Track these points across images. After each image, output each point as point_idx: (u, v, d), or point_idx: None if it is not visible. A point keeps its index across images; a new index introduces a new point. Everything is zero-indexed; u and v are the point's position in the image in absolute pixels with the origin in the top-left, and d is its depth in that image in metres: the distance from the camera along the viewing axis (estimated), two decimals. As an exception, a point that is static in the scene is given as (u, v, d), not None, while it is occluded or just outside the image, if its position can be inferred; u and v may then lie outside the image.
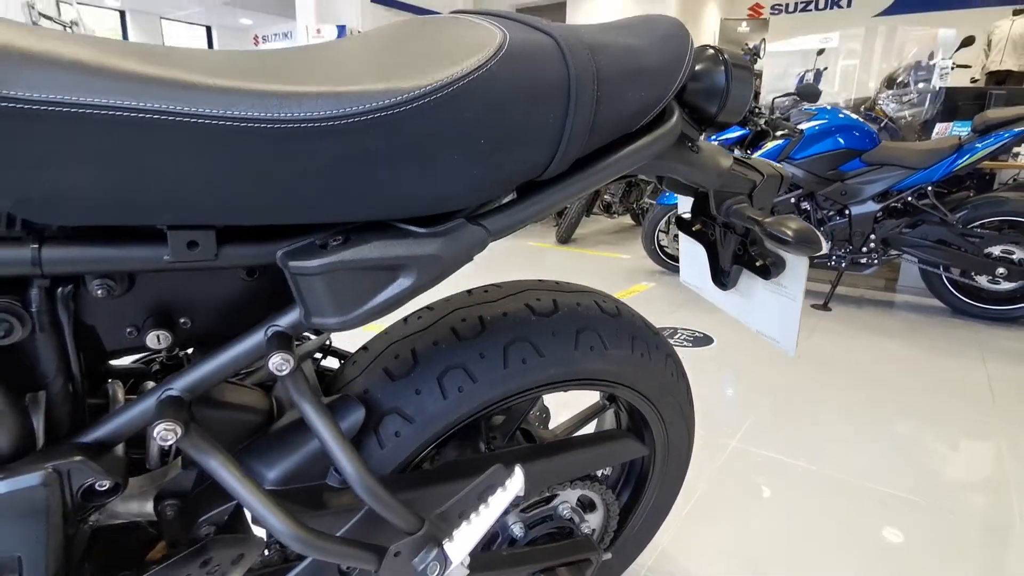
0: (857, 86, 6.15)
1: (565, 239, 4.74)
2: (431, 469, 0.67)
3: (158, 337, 0.50)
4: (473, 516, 0.56)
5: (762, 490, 1.47)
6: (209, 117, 0.37)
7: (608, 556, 0.84)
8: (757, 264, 0.83)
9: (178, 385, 0.50)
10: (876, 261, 2.91)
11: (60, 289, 0.46)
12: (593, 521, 0.86)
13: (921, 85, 4.17)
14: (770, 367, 2.24)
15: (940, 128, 3.34)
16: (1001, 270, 2.65)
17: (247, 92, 0.39)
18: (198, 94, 0.38)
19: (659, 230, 3.58)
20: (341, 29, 6.61)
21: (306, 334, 0.76)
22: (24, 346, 0.46)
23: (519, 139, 0.48)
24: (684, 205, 0.93)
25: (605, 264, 4.04)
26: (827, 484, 1.50)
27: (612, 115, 0.53)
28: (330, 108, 0.40)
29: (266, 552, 0.63)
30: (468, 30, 0.50)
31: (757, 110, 3.05)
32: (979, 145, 2.62)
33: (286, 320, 0.50)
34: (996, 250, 2.68)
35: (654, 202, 3.60)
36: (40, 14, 5.50)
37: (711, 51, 0.69)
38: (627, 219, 5.93)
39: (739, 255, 0.87)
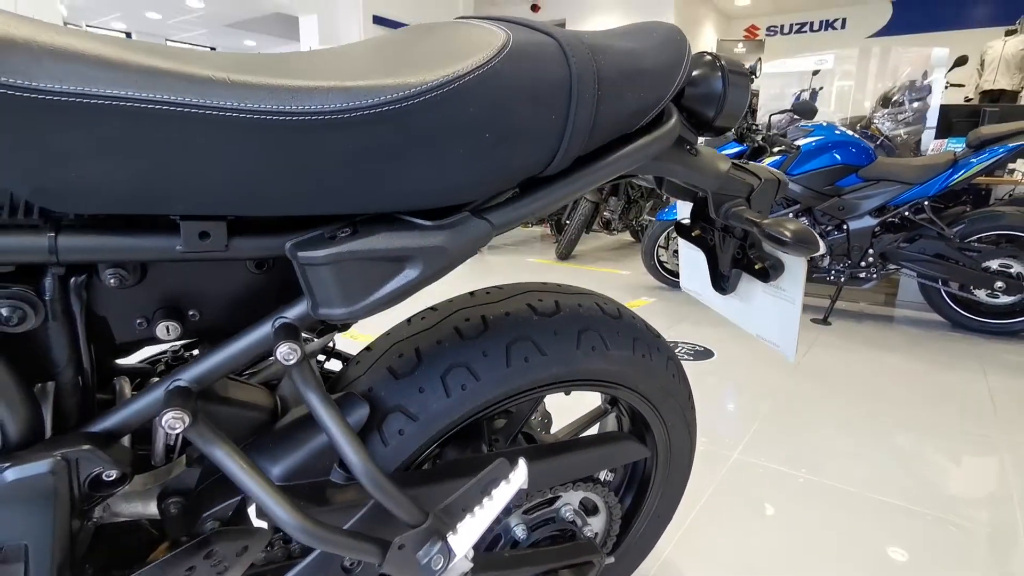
0: (853, 105, 6.23)
1: (565, 255, 4.76)
2: (434, 467, 0.68)
3: (167, 328, 0.51)
4: (477, 509, 0.56)
5: (764, 500, 1.46)
6: (223, 109, 0.39)
7: (611, 560, 0.84)
8: (756, 267, 0.84)
9: (186, 376, 0.50)
10: (875, 275, 2.92)
11: (73, 278, 0.46)
12: (596, 525, 0.86)
13: (916, 104, 4.23)
14: (770, 380, 2.24)
15: (935, 144, 3.38)
16: (999, 284, 2.66)
17: (261, 86, 0.40)
18: (213, 87, 0.39)
19: (658, 246, 3.60)
20: (344, 50, 6.67)
21: (308, 336, 0.77)
22: (36, 335, 0.47)
23: (522, 135, 0.49)
24: (683, 211, 0.95)
25: (605, 280, 4.06)
26: (829, 495, 1.49)
27: (612, 114, 0.55)
28: (341, 101, 0.42)
29: (270, 548, 0.63)
30: (473, 32, 0.52)
31: (754, 127, 3.09)
32: (974, 160, 2.65)
33: (293, 312, 0.51)
34: (994, 264, 2.70)
35: (653, 218, 3.63)
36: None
37: (709, 57, 0.71)
38: (626, 236, 5.96)
39: (738, 259, 0.88)
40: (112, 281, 0.47)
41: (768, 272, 0.82)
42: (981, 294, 2.77)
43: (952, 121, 3.63)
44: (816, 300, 3.41)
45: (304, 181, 0.43)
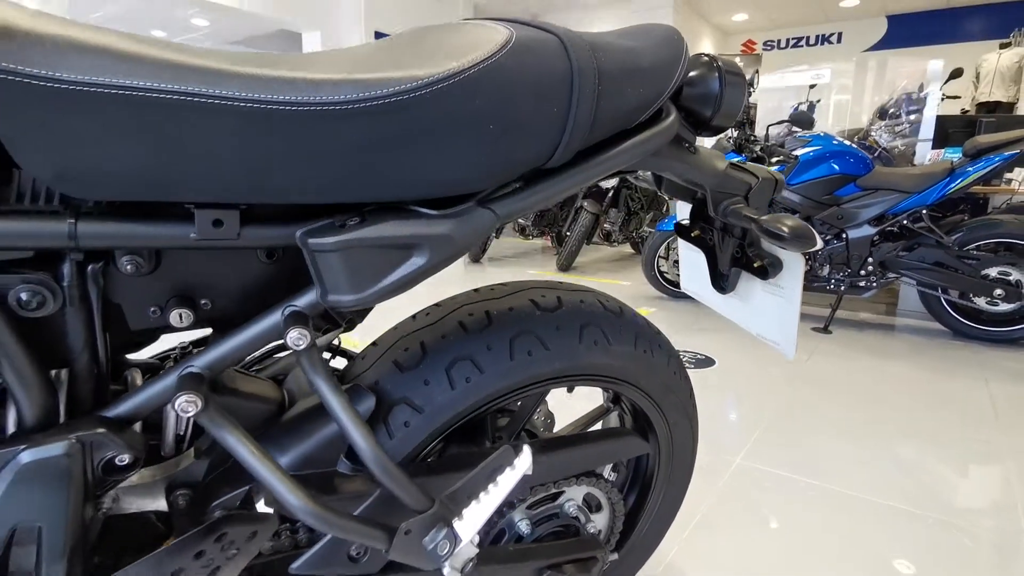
0: (850, 118, 6.29)
1: (566, 267, 4.78)
2: (440, 459, 0.68)
3: (180, 315, 0.52)
4: (482, 495, 0.57)
5: (766, 505, 1.46)
6: (238, 100, 0.41)
7: (615, 556, 0.84)
8: (755, 265, 0.86)
9: (199, 363, 0.52)
10: (874, 284, 2.93)
11: (91, 266, 0.48)
12: (599, 522, 0.87)
13: (913, 116, 4.27)
14: (771, 388, 2.24)
15: (932, 155, 3.41)
16: (999, 291, 2.67)
17: (272, 78, 0.42)
18: (229, 79, 0.41)
19: (659, 256, 3.62)
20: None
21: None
22: (54, 320, 0.48)
23: (525, 127, 0.51)
24: (683, 212, 0.96)
25: (606, 291, 4.07)
26: (831, 499, 1.49)
27: (612, 109, 0.56)
28: (350, 92, 0.43)
29: (276, 538, 0.63)
30: (477, 29, 0.54)
31: (752, 137, 3.12)
32: (971, 169, 2.68)
33: (303, 300, 0.53)
34: (993, 271, 2.71)
35: (653, 230, 3.65)
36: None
37: (706, 58, 0.73)
38: (627, 248, 5.98)
39: (737, 258, 0.89)
40: (129, 267, 0.48)
41: (767, 270, 0.84)
42: (981, 302, 2.78)
43: (949, 132, 3.66)
44: (816, 309, 3.42)
45: (314, 170, 0.45)
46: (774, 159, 2.97)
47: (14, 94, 0.36)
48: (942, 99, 4.32)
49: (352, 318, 0.86)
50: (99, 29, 0.41)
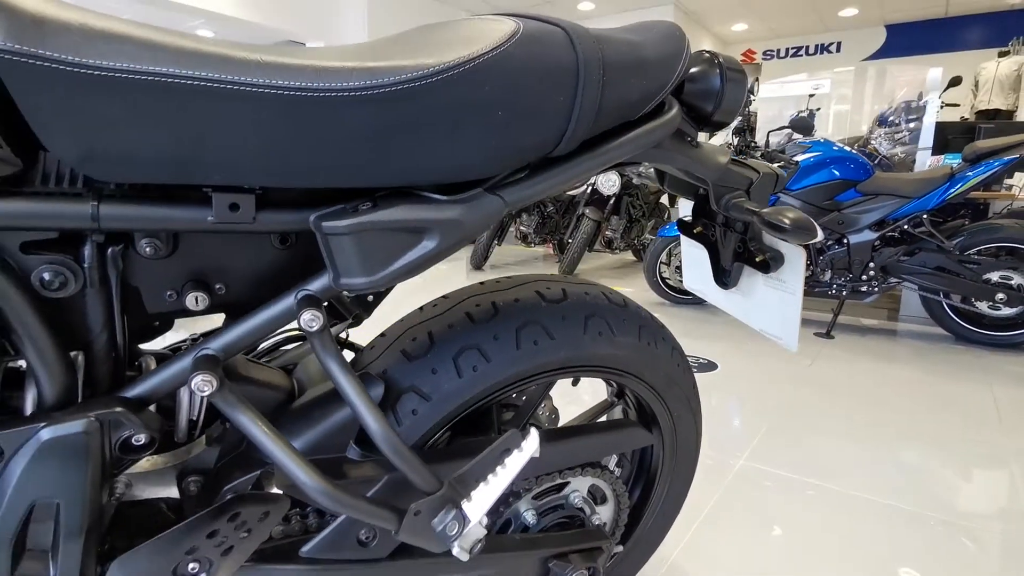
0: (850, 126, 6.32)
1: (568, 274, 4.79)
2: (447, 447, 0.69)
3: (196, 299, 0.53)
4: (491, 477, 0.58)
5: (769, 504, 1.46)
6: (254, 85, 0.42)
7: (620, 548, 0.85)
8: (757, 260, 0.87)
9: (214, 345, 0.53)
10: (876, 289, 2.94)
11: (111, 248, 0.49)
12: (604, 514, 0.87)
13: (912, 124, 4.30)
14: (774, 391, 2.25)
15: (932, 161, 3.43)
16: (1001, 296, 2.68)
17: (289, 66, 0.44)
18: (245, 66, 0.42)
19: (660, 261, 3.63)
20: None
21: None
22: (74, 301, 0.49)
23: (532, 115, 0.52)
24: (685, 209, 0.98)
25: (608, 297, 4.07)
26: (833, 499, 1.49)
27: (617, 100, 0.58)
28: (363, 79, 0.45)
29: (286, 523, 0.64)
30: (486, 22, 0.55)
31: (753, 144, 3.15)
32: (970, 174, 2.69)
33: (316, 285, 0.54)
34: (994, 276, 2.71)
35: (655, 237, 3.67)
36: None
37: (707, 55, 0.74)
38: (628, 255, 6.00)
39: (739, 252, 0.90)
40: (148, 250, 0.50)
41: (769, 263, 0.85)
42: (983, 306, 2.78)
43: (948, 138, 3.69)
44: (819, 314, 3.42)
45: (328, 154, 0.46)
46: (775, 165, 2.99)
47: (43, 79, 0.38)
48: (941, 107, 4.35)
49: (359, 313, 0.88)
50: (121, 19, 0.42)
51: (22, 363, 0.53)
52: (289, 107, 0.43)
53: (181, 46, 0.41)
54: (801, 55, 9.00)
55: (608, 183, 4.30)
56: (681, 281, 3.59)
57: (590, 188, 4.59)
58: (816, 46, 8.87)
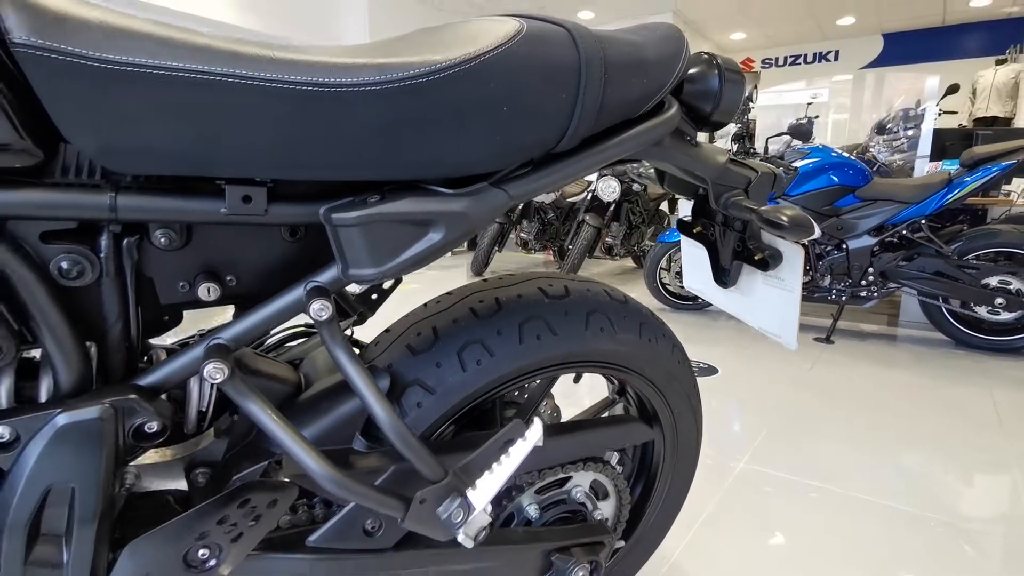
0: (849, 134, 6.36)
1: (568, 280, 4.80)
2: (452, 439, 0.70)
3: (208, 290, 0.55)
4: (495, 466, 0.59)
5: (769, 506, 1.47)
6: (267, 80, 0.44)
7: (622, 544, 0.86)
8: (756, 258, 0.88)
9: (225, 335, 0.54)
10: (875, 294, 2.95)
11: (127, 239, 0.51)
12: (606, 509, 0.88)
13: (910, 131, 4.33)
14: (774, 395, 2.26)
15: (930, 167, 3.45)
16: (1000, 300, 2.69)
17: (301, 62, 0.45)
18: (259, 62, 0.44)
19: (660, 267, 3.65)
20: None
21: None
22: (90, 291, 0.51)
23: (536, 112, 0.54)
24: (684, 209, 0.99)
25: (608, 303, 4.08)
26: (834, 500, 1.50)
27: (617, 98, 0.60)
28: (372, 75, 0.46)
29: (293, 512, 0.65)
30: (490, 22, 0.57)
31: (752, 150, 3.17)
32: (968, 179, 2.71)
33: (325, 276, 0.55)
34: (993, 281, 2.73)
35: (655, 243, 3.69)
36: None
37: (706, 56, 0.76)
38: (628, 262, 6.02)
39: (738, 251, 0.92)
40: (162, 240, 0.51)
41: (767, 262, 0.86)
42: (982, 311, 2.79)
43: (946, 144, 3.71)
44: (818, 320, 3.43)
45: (338, 148, 0.48)
46: (774, 170, 3.01)
47: (65, 73, 0.39)
48: (939, 114, 4.39)
49: (363, 311, 0.89)
50: (139, 17, 0.44)
51: (35, 353, 0.54)
52: (301, 101, 0.45)
53: (198, 42, 0.43)
54: (799, 63, 9.06)
55: (608, 190, 4.32)
56: (682, 287, 3.61)
57: (590, 195, 4.61)
58: (814, 54, 8.92)
